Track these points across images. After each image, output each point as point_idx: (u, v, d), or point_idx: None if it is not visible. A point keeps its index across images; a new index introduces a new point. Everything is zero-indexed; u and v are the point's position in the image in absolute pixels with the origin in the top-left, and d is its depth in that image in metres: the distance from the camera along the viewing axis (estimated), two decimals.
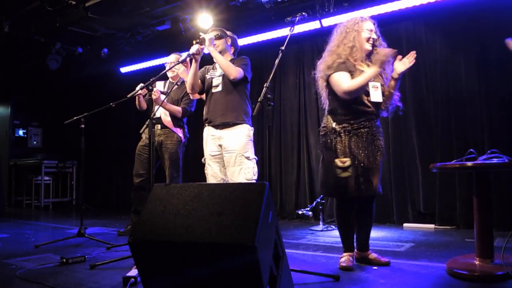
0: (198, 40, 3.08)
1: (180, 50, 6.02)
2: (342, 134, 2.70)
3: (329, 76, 2.73)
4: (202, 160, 3.25)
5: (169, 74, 4.17)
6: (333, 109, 2.80)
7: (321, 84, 2.86)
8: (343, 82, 2.66)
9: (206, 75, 3.27)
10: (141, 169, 4.10)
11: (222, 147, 3.11)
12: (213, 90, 3.19)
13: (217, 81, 3.19)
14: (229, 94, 3.13)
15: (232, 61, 3.19)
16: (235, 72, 3.06)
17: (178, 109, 4.06)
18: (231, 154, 3.06)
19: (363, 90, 2.70)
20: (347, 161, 2.64)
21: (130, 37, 5.92)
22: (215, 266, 1.67)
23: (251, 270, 1.59)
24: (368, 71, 2.64)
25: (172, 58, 4.18)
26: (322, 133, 2.81)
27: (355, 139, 2.70)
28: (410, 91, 4.75)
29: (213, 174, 3.18)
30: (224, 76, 3.14)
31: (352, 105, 2.72)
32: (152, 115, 3.16)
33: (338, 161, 2.65)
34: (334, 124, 2.74)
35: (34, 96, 8.25)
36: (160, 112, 4.01)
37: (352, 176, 2.65)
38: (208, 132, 3.19)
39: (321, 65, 2.82)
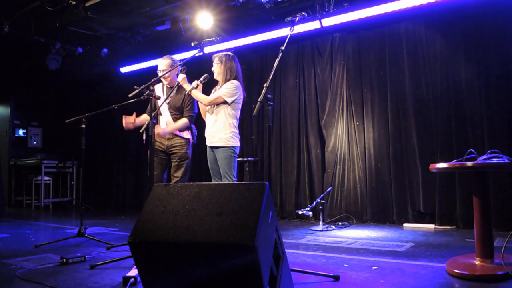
0: (196, 42, 3.11)
1: (180, 50, 6.04)
2: None
3: None
4: None
5: (164, 80, 4.01)
6: None
7: None
8: None
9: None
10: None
11: None
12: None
13: None
14: None
15: None
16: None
17: (185, 123, 3.79)
18: None
19: None
20: None
21: (130, 37, 5.91)
22: (215, 266, 1.67)
23: (251, 270, 1.59)
24: None
25: (164, 63, 3.82)
26: None
27: None
28: (410, 91, 4.76)
29: None
30: None
31: None
32: (153, 114, 3.12)
33: None
34: None
35: (34, 96, 8.25)
36: (166, 121, 3.77)
37: None
38: None
39: None
